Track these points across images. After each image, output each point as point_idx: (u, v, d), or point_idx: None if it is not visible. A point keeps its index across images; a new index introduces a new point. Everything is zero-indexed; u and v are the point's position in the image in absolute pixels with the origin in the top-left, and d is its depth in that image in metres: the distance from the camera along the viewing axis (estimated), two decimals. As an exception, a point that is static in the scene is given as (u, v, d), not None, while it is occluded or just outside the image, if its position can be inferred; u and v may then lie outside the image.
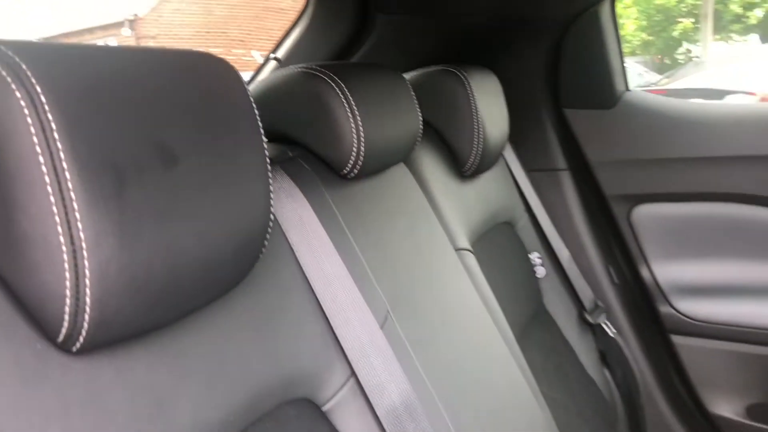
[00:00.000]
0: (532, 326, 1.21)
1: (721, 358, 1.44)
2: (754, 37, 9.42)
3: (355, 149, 0.74)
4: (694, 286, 1.45)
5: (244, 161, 0.49)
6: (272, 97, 0.78)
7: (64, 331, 0.39)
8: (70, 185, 0.36)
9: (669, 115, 1.42)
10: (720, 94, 4.72)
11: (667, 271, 1.46)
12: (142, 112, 0.41)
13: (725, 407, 1.45)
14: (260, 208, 0.50)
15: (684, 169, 1.41)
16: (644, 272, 1.47)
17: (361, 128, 0.73)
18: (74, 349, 0.40)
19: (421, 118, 0.89)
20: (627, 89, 1.48)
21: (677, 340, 1.46)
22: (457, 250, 0.97)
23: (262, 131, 0.51)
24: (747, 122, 1.38)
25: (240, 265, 0.49)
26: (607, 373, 1.39)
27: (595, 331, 1.39)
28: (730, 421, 1.44)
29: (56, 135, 0.36)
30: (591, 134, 1.47)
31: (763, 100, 4.66)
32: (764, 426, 1.42)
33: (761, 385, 1.43)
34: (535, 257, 1.33)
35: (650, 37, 10.85)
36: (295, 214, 0.67)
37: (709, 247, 1.43)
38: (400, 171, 0.92)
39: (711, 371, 1.45)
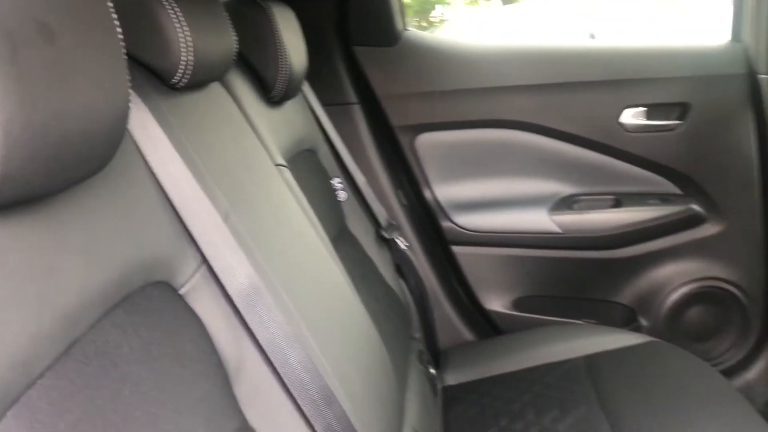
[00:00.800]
0: (339, 242, 1.33)
1: (492, 261, 1.70)
2: (497, 2, 10.50)
3: (184, 59, 0.77)
4: (468, 202, 1.68)
5: (105, 46, 0.53)
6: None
7: None
8: None
9: (444, 52, 1.61)
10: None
11: (446, 190, 1.67)
12: None
13: (497, 303, 1.72)
14: (122, 91, 0.54)
15: (457, 100, 1.62)
16: (427, 193, 1.67)
17: (189, 38, 0.77)
18: None
19: (235, 38, 0.94)
20: (406, 29, 1.65)
21: (457, 249, 1.69)
22: (276, 165, 1.05)
23: (115, 21, 0.55)
24: (509, 57, 1.62)
25: (111, 140, 0.53)
26: (402, 282, 1.56)
27: (390, 246, 1.55)
28: (501, 313, 1.71)
29: None
30: (377, 70, 1.61)
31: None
32: (527, 315, 1.71)
33: (524, 282, 1.72)
34: (336, 182, 1.45)
35: (409, 1, 11.50)
36: (136, 117, 0.70)
37: (480, 167, 1.66)
38: (219, 89, 0.97)
39: (485, 274, 1.71)
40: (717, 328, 1.70)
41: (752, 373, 1.68)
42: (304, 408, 0.74)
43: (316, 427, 0.75)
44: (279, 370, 0.73)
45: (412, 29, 1.65)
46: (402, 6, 1.63)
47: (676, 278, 1.68)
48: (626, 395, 1.26)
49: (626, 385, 1.30)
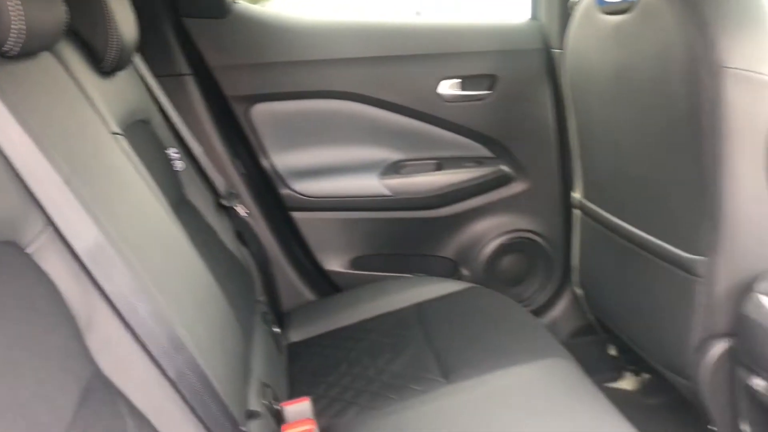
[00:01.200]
0: (178, 211, 1.36)
1: (330, 225, 1.81)
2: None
3: (15, 26, 0.78)
4: (305, 169, 1.77)
5: None
6: None
7: None
8: None
9: (273, 24, 1.68)
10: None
11: (283, 159, 1.75)
12: None
13: (335, 263, 1.84)
14: None
15: (288, 72, 1.69)
16: (264, 162, 1.74)
17: (19, 6, 0.78)
18: None
19: (65, 9, 0.95)
20: (235, 1, 1.69)
21: (296, 215, 1.78)
22: (112, 134, 1.07)
23: None
24: (337, 32, 1.72)
25: None
26: (244, 249, 1.62)
27: (230, 214, 1.60)
28: (340, 273, 1.83)
29: None
30: (208, 42, 1.64)
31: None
32: (363, 272, 1.85)
33: (360, 242, 1.84)
34: (172, 152, 1.47)
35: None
36: None
37: (314, 136, 1.76)
38: (50, 59, 0.97)
39: (323, 237, 1.81)
40: (526, 274, 1.94)
41: (556, 311, 1.94)
42: (155, 354, 0.79)
43: (169, 373, 0.81)
44: (128, 321, 0.78)
45: (242, 2, 1.70)
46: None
47: (490, 232, 1.89)
48: (450, 334, 1.43)
49: (451, 325, 1.47)
